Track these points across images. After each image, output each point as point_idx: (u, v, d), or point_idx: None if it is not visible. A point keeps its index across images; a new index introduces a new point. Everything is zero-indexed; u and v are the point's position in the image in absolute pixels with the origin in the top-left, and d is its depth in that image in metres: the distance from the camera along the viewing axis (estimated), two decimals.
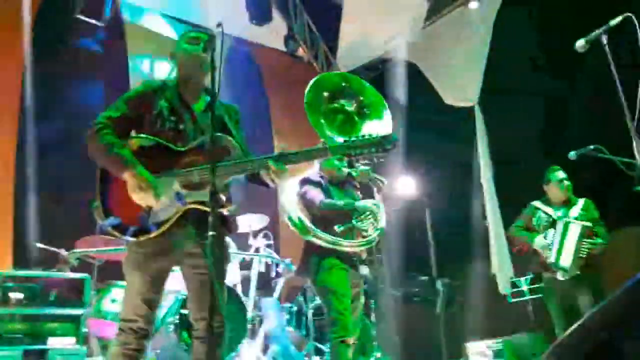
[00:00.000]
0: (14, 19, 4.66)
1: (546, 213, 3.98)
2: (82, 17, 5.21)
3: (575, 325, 1.19)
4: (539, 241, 3.93)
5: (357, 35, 6.49)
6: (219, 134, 2.18)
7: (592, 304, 3.60)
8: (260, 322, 4.67)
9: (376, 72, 7.06)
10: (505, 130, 6.00)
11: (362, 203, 3.41)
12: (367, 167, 3.40)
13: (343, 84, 3.34)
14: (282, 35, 6.51)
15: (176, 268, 2.43)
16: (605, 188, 4.09)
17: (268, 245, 4.76)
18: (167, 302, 4.02)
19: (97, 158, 2.20)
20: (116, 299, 3.92)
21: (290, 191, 3.49)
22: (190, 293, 2.32)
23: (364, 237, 3.34)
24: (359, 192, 3.56)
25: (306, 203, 3.39)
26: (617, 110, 2.40)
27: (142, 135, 2.24)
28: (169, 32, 5.47)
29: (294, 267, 4.82)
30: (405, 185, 6.77)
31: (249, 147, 2.41)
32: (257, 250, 4.71)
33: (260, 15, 5.71)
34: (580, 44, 2.62)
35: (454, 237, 6.55)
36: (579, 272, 3.72)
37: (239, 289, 4.59)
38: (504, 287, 5.85)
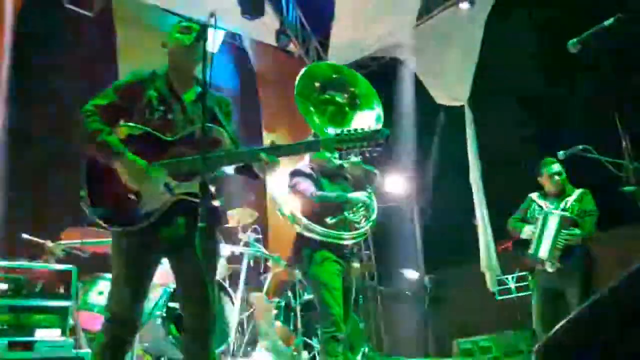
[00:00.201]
0: None
1: (539, 205, 3.97)
2: (72, 7, 5.15)
3: (564, 321, 1.19)
4: (526, 231, 3.94)
5: (348, 32, 6.49)
6: (210, 124, 2.17)
7: (580, 300, 3.60)
8: (249, 316, 4.66)
9: (367, 70, 7.07)
10: (495, 130, 6.04)
11: (354, 195, 3.36)
12: (357, 159, 3.30)
13: (334, 75, 3.31)
14: (274, 30, 6.49)
15: (164, 260, 2.42)
16: (594, 189, 4.06)
17: (257, 240, 4.74)
18: (155, 295, 4.00)
19: (84, 145, 2.18)
20: (103, 291, 3.90)
21: (281, 183, 3.45)
22: (179, 286, 2.31)
23: (356, 229, 3.30)
24: (350, 184, 3.50)
25: (297, 195, 3.34)
26: (608, 110, 2.41)
27: (130, 123, 2.22)
28: (160, 24, 5.41)
29: (283, 262, 4.83)
30: (394, 183, 6.79)
31: (239, 140, 2.40)
32: (246, 244, 4.69)
33: (252, 9, 5.67)
34: (572, 44, 2.63)
35: (442, 234, 6.58)
36: (562, 266, 3.67)
37: (227, 284, 4.59)
38: (492, 285, 5.90)
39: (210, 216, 1.94)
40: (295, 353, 4.60)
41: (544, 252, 3.75)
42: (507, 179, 5.69)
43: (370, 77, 3.58)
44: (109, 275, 3.64)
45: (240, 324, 4.46)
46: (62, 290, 3.46)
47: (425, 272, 6.67)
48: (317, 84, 3.23)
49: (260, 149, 2.18)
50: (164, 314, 3.86)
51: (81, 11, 5.28)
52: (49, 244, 3.84)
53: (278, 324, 4.78)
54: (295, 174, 3.40)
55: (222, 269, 4.49)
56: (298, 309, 4.77)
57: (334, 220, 3.22)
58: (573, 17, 4.83)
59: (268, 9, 6.25)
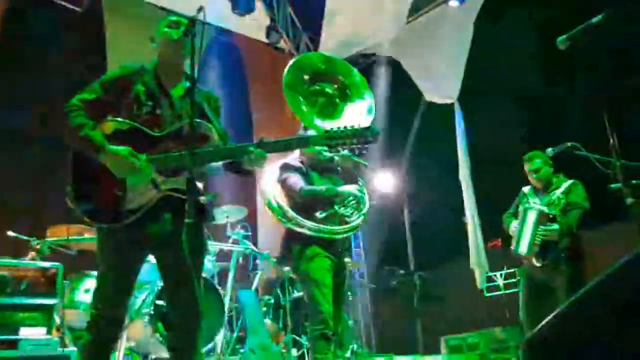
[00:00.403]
0: None
1: (527, 200, 3.95)
2: (61, 3, 5.09)
3: (550, 316, 1.19)
4: (512, 227, 3.94)
5: (339, 29, 6.48)
6: (198, 120, 2.15)
7: (567, 295, 3.60)
8: (238, 314, 4.65)
9: (357, 67, 7.06)
10: (485, 127, 6.06)
11: (344, 188, 3.28)
12: (347, 151, 3.21)
13: (323, 65, 3.22)
14: (264, 26, 6.46)
15: (151, 257, 2.40)
16: (586, 185, 4.06)
17: (246, 237, 4.72)
18: (142, 293, 3.97)
19: (68, 140, 2.15)
20: (90, 289, 3.86)
21: (270, 178, 3.36)
22: (165, 283, 2.29)
23: (347, 223, 3.23)
24: (341, 177, 3.42)
25: (287, 190, 3.27)
26: (598, 108, 2.43)
27: (118, 119, 2.19)
28: (149, 19, 5.36)
29: (272, 259, 4.81)
30: (384, 180, 6.80)
31: (228, 136, 2.38)
32: (235, 242, 4.67)
33: (242, 5, 5.64)
34: (561, 41, 2.64)
35: (432, 232, 6.61)
36: (548, 261, 3.64)
37: (216, 281, 4.57)
38: (481, 282, 5.93)
39: (197, 212, 1.92)
40: (284, 351, 4.59)
41: (523, 248, 3.75)
42: (497, 176, 5.71)
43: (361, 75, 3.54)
44: (95, 273, 3.61)
45: (229, 321, 4.44)
46: (47, 288, 3.42)
47: (414, 269, 6.70)
48: (306, 76, 3.12)
49: (249, 145, 2.17)
50: (152, 312, 3.83)
51: (70, 6, 5.22)
52: (35, 241, 3.80)
53: (267, 321, 4.77)
54: (284, 167, 3.33)
55: (211, 266, 4.47)
56: (287, 306, 4.76)
57: (323, 215, 3.16)
58: (563, 15, 4.87)
59: (258, 5, 6.23)
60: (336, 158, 3.30)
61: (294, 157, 3.38)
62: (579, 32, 2.50)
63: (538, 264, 3.68)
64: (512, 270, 5.44)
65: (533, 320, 3.68)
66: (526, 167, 3.99)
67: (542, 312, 3.68)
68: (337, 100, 3.20)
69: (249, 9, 5.79)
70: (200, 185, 2.17)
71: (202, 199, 2.20)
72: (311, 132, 3.00)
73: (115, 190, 2.10)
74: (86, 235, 3.99)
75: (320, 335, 3.02)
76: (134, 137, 2.15)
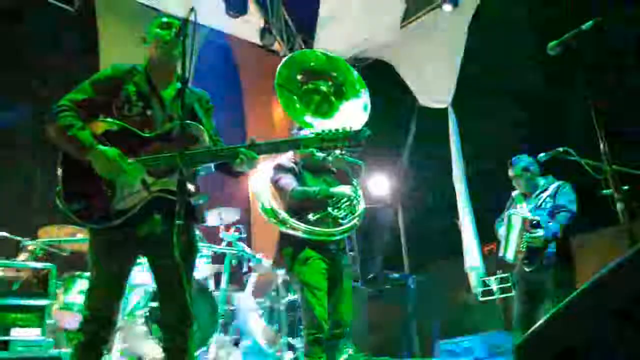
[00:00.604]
0: None
1: (515, 205, 3.94)
2: (54, 2, 5.09)
3: (541, 320, 1.20)
4: (500, 232, 3.94)
5: (333, 33, 6.49)
6: (189, 121, 2.15)
7: (556, 298, 3.55)
8: (232, 316, 4.63)
9: None
10: (479, 130, 6.07)
11: (337, 189, 3.22)
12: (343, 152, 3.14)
13: (317, 63, 3.17)
14: (258, 28, 6.46)
15: (144, 260, 2.39)
16: (580, 191, 4.06)
17: (240, 239, 4.71)
18: (136, 295, 3.96)
19: (56, 141, 2.15)
20: (83, 290, 3.85)
21: (263, 179, 3.32)
22: (157, 284, 2.29)
23: (340, 225, 3.18)
24: (335, 178, 3.36)
25: (278, 191, 3.23)
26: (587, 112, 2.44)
27: (108, 119, 2.19)
28: (142, 19, 5.36)
29: (266, 262, 4.80)
30: (377, 183, 6.80)
31: (221, 138, 2.38)
32: (229, 244, 4.66)
33: (236, 6, 5.65)
34: (552, 46, 2.65)
35: (426, 235, 6.61)
36: (537, 266, 3.63)
37: (210, 284, 4.56)
38: (476, 286, 5.92)
39: (187, 213, 1.92)
40: (278, 354, 4.58)
41: (510, 254, 3.76)
42: (491, 179, 5.72)
43: None
44: (88, 274, 3.60)
45: (223, 324, 4.43)
46: (40, 289, 3.41)
47: (409, 272, 6.69)
48: (299, 74, 3.08)
49: (240, 146, 2.17)
50: (146, 314, 3.82)
51: (63, 6, 5.21)
52: (27, 241, 3.79)
53: (262, 324, 4.76)
54: (277, 168, 3.28)
55: (204, 269, 4.46)
56: (282, 309, 4.76)
57: (316, 217, 3.12)
58: (558, 17, 4.90)
59: (252, 7, 6.23)
60: (330, 158, 3.24)
61: (287, 158, 3.33)
62: (570, 37, 2.52)
63: (527, 269, 3.68)
64: (507, 274, 5.45)
65: (526, 324, 3.68)
66: (510, 173, 3.99)
67: (534, 316, 3.68)
68: (333, 98, 3.14)
69: (242, 10, 5.79)
70: (191, 186, 2.17)
71: (193, 199, 2.20)
72: (305, 133, 2.98)
73: (105, 190, 2.10)
74: (79, 236, 3.98)
75: (313, 340, 3.01)
76: (125, 137, 2.15)
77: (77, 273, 3.95)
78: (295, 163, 3.31)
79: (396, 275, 6.33)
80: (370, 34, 6.52)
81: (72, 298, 3.87)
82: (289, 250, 3.17)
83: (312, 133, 2.29)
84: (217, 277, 4.62)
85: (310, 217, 3.12)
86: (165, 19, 2.32)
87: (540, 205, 3.78)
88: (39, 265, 3.48)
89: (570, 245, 3.75)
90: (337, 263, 3.22)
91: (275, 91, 3.06)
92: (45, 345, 3.29)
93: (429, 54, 6.39)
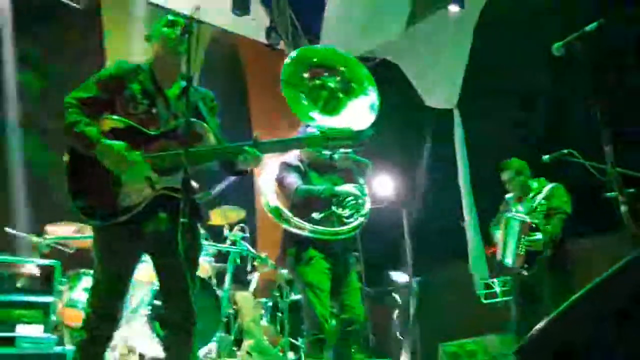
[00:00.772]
0: None
1: (510, 208, 3.92)
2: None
3: (540, 325, 1.20)
4: (496, 236, 3.92)
5: (338, 32, 6.49)
6: (193, 119, 2.16)
7: (554, 301, 3.57)
8: (235, 316, 4.64)
9: None
10: (484, 132, 6.06)
11: (342, 188, 3.17)
12: (349, 150, 3.00)
13: (324, 58, 3.12)
14: (264, 27, 6.48)
15: (147, 258, 2.40)
16: (578, 194, 4.04)
17: (244, 238, 4.71)
18: (140, 293, 3.98)
19: (63, 137, 2.17)
20: (88, 287, 3.86)
21: (269, 177, 3.29)
22: (160, 282, 2.30)
23: (345, 224, 3.12)
24: (342, 177, 3.30)
25: (283, 189, 3.20)
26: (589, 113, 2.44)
27: (114, 116, 2.21)
28: (148, 17, 5.38)
29: (270, 261, 4.80)
30: (382, 184, 6.79)
31: (226, 137, 2.39)
32: (233, 243, 4.67)
33: (241, 5, 5.67)
34: (556, 48, 2.65)
35: (431, 237, 6.59)
36: (535, 269, 3.63)
37: (213, 283, 4.56)
38: (479, 288, 5.91)
39: (192, 211, 1.93)
40: (281, 354, 4.59)
41: (509, 259, 3.73)
42: (497, 181, 5.71)
43: None
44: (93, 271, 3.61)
45: (226, 323, 4.44)
46: (45, 286, 3.43)
47: (413, 274, 6.68)
48: (306, 70, 3.02)
49: (244, 144, 2.18)
50: (150, 312, 3.84)
51: (69, 3, 5.24)
52: (33, 238, 3.81)
53: (264, 323, 4.77)
54: (283, 166, 3.25)
55: (208, 268, 4.48)
56: (285, 309, 4.76)
57: (320, 216, 3.07)
58: (561, 19, 4.89)
59: (258, 6, 6.25)
60: (336, 157, 3.15)
61: (293, 156, 3.30)
62: (574, 38, 2.52)
63: (526, 273, 3.66)
64: (509, 276, 5.43)
65: (524, 328, 3.66)
66: (502, 177, 3.98)
67: (532, 319, 3.66)
68: (341, 94, 3.07)
69: (246, 9, 5.81)
70: (195, 184, 2.19)
71: (198, 197, 2.21)
72: (311, 130, 2.96)
73: (111, 187, 2.12)
74: (84, 234, 4.00)
75: (315, 340, 3.00)
76: (130, 135, 2.17)
77: (82, 270, 3.97)
78: (301, 161, 3.28)
79: (400, 275, 6.32)
80: (375, 34, 6.51)
81: (76, 295, 3.89)
82: (293, 249, 3.15)
83: (316, 132, 2.30)
84: (221, 275, 4.62)
85: (315, 215, 3.09)
86: (170, 17, 2.34)
87: (536, 208, 3.76)
88: (44, 262, 3.50)
89: (566, 247, 3.74)
90: (343, 262, 3.19)
91: (280, 90, 3.04)
92: (48, 342, 3.30)
93: (435, 54, 6.39)
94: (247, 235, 4.76)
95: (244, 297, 4.71)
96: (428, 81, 6.51)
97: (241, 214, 4.86)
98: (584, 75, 2.56)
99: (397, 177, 6.45)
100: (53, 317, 3.47)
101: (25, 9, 4.95)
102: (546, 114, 5.84)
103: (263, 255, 4.78)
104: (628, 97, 4.66)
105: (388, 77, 6.65)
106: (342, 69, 3.10)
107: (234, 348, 4.45)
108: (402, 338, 6.13)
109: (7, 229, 3.79)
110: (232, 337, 4.45)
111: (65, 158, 2.18)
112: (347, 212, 3.15)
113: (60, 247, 4.01)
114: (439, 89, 6.40)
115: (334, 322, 3.37)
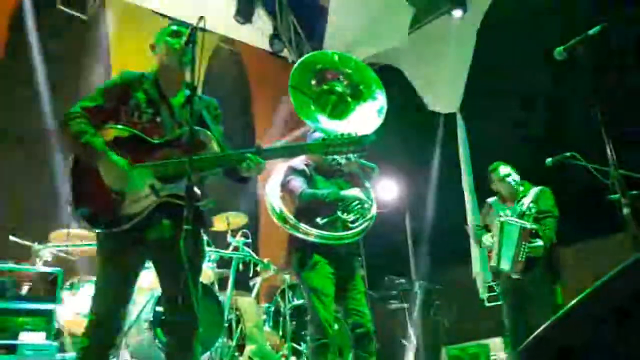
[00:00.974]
0: None
1: (497, 211, 3.86)
2: (64, 9, 5.14)
3: (539, 330, 1.20)
4: (484, 240, 3.86)
5: (342, 39, 6.51)
6: (197, 127, 2.17)
7: (545, 304, 3.56)
8: (237, 321, 4.64)
9: None
10: (487, 135, 6.06)
11: (347, 192, 3.14)
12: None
13: (331, 63, 3.10)
14: (268, 35, 6.51)
15: (150, 264, 2.41)
16: (581, 196, 4.03)
17: (246, 244, 4.71)
18: (142, 299, 3.98)
19: (68, 146, 2.19)
20: (91, 294, 3.86)
21: (275, 182, 3.27)
22: (162, 289, 2.30)
23: (349, 228, 3.10)
24: (348, 181, 3.28)
25: (288, 194, 3.18)
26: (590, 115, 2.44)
27: (118, 125, 2.22)
28: (154, 27, 5.42)
29: (272, 267, 4.80)
30: (385, 188, 6.79)
31: (231, 144, 2.40)
32: (235, 249, 4.67)
33: (244, 14, 5.70)
34: (559, 52, 2.66)
35: (434, 240, 6.59)
36: (525, 273, 3.61)
37: (216, 288, 4.56)
38: (483, 291, 5.91)
39: (196, 218, 1.94)
40: (283, 359, 4.58)
41: (505, 264, 3.66)
42: None
43: None
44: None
45: (228, 329, 4.43)
46: (48, 293, 3.44)
47: (416, 278, 6.67)
48: (314, 75, 3.01)
49: (247, 151, 2.19)
50: (152, 318, 3.83)
51: (75, 13, 5.27)
52: (37, 246, 3.81)
53: (267, 329, 4.76)
54: (289, 170, 3.24)
55: (210, 274, 4.47)
56: (287, 314, 4.76)
57: (324, 220, 3.05)
58: (561, 20, 4.90)
59: (262, 13, 6.28)
60: (342, 161, 3.15)
61: (300, 160, 3.28)
62: (576, 43, 2.53)
63: (516, 277, 3.63)
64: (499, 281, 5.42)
65: (522, 332, 3.64)
66: (494, 175, 3.96)
67: (527, 322, 3.65)
68: (349, 98, 3.06)
69: (251, 16, 5.84)
70: (198, 191, 2.19)
71: (201, 204, 2.21)
72: (318, 136, 2.94)
73: (113, 195, 2.13)
74: (87, 242, 4.01)
75: (319, 345, 2.99)
76: (135, 144, 2.18)
77: (86, 278, 3.97)
78: (307, 165, 3.26)
79: (402, 280, 6.32)
80: (378, 40, 6.53)
81: (79, 302, 3.90)
82: (298, 255, 3.15)
83: (318, 138, 2.31)
84: (224, 281, 4.62)
85: (319, 220, 3.07)
86: (174, 27, 2.36)
87: (525, 212, 3.74)
88: (47, 269, 3.51)
89: (558, 250, 3.74)
90: (348, 266, 3.17)
91: (283, 97, 3.04)
92: (51, 350, 3.30)
93: (438, 58, 6.41)
94: (250, 241, 4.76)
95: (246, 303, 4.70)
96: (431, 85, 6.53)
97: (244, 219, 4.86)
98: (585, 76, 2.57)
99: (400, 180, 6.46)
100: (56, 325, 3.47)
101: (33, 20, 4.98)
102: (547, 115, 5.83)
103: (265, 260, 4.78)
104: (628, 97, 4.66)
105: (391, 82, 6.67)
106: (350, 72, 3.09)
107: (236, 353, 4.44)
108: (405, 342, 6.12)
109: (12, 237, 3.79)
110: (235, 343, 4.45)
111: (70, 166, 2.19)
112: (351, 217, 3.13)
113: (63, 254, 4.01)
114: (442, 93, 6.42)
115: (336, 326, 3.36)
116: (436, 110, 6.62)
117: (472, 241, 6.02)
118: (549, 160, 3.65)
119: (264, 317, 4.86)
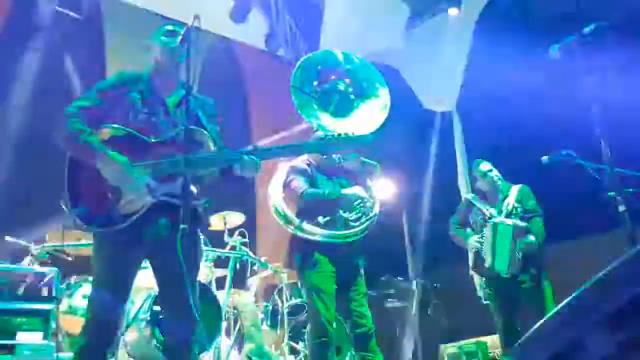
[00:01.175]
0: None
1: (479, 209, 3.85)
2: (60, 9, 5.12)
3: (537, 325, 1.21)
4: (472, 242, 3.83)
5: (337, 38, 6.50)
6: (193, 127, 2.17)
7: (535, 304, 3.59)
8: (235, 320, 4.64)
9: None
10: (483, 134, 6.08)
11: (349, 190, 3.15)
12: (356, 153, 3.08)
13: (333, 62, 3.12)
14: (263, 34, 6.50)
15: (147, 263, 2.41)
16: (577, 194, 4.05)
17: (244, 243, 4.72)
18: (139, 299, 3.97)
19: (66, 146, 2.18)
20: (87, 294, 3.86)
21: (278, 181, 3.27)
22: (160, 288, 2.30)
23: (351, 227, 3.11)
24: (351, 180, 3.29)
25: (290, 193, 3.19)
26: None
27: (114, 125, 2.22)
28: (150, 27, 5.41)
29: (270, 266, 4.81)
30: (382, 187, 6.79)
31: (226, 143, 2.40)
32: (232, 248, 4.67)
33: (239, 13, 5.70)
34: (553, 50, 2.67)
35: (430, 238, 6.60)
36: (522, 272, 3.62)
37: (213, 288, 4.56)
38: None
39: (192, 218, 1.94)
40: (281, 358, 4.59)
41: (501, 265, 3.66)
42: None
43: None
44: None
45: (226, 328, 4.44)
46: (44, 293, 3.43)
47: (413, 276, 6.69)
48: (316, 75, 3.02)
49: (242, 151, 2.19)
50: (149, 318, 3.83)
51: (70, 13, 5.24)
52: (33, 246, 3.81)
53: (265, 328, 4.77)
54: (290, 170, 3.24)
55: (208, 273, 4.47)
56: (285, 313, 4.76)
57: (326, 219, 3.06)
58: (560, 21, 4.91)
59: (257, 13, 6.27)
60: (343, 160, 3.17)
61: (302, 159, 3.29)
62: (571, 41, 2.54)
63: (505, 276, 3.63)
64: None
65: (514, 332, 3.65)
66: (477, 172, 3.96)
67: (515, 323, 3.67)
68: (352, 96, 3.07)
69: (246, 15, 5.83)
70: (195, 190, 2.19)
71: (197, 203, 2.21)
72: (320, 134, 2.93)
73: (110, 194, 2.13)
74: (84, 241, 4.00)
75: (318, 343, 3.01)
76: (130, 143, 2.18)
77: (82, 277, 3.97)
78: (309, 164, 3.27)
79: (400, 278, 6.33)
80: (374, 39, 6.53)
81: (76, 302, 3.89)
82: (299, 254, 3.16)
83: (317, 138, 2.31)
84: (221, 280, 4.62)
85: (320, 219, 3.08)
86: (169, 27, 2.35)
87: (512, 211, 3.74)
88: (44, 269, 3.50)
89: (545, 248, 3.75)
90: (349, 265, 3.18)
91: (281, 96, 3.05)
92: (48, 350, 3.30)
93: (434, 57, 6.41)
94: (247, 240, 4.76)
95: (244, 302, 4.71)
96: (427, 84, 6.54)
97: (241, 218, 4.86)
98: (582, 75, 2.58)
99: (398, 180, 6.48)
100: (53, 325, 3.47)
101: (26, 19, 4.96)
102: (543, 113, 5.85)
103: (263, 259, 4.79)
104: (624, 95, 4.67)
105: (386, 81, 6.68)
106: (353, 70, 3.11)
107: (235, 352, 4.45)
108: (403, 340, 6.14)
109: (7, 238, 3.78)
110: (233, 342, 4.45)
111: (66, 165, 2.19)
112: (353, 216, 3.13)
113: (60, 254, 4.00)
114: (438, 92, 6.43)
115: (334, 324, 3.37)
116: (432, 109, 6.63)
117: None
118: (545, 158, 3.67)
119: (262, 316, 4.87)
